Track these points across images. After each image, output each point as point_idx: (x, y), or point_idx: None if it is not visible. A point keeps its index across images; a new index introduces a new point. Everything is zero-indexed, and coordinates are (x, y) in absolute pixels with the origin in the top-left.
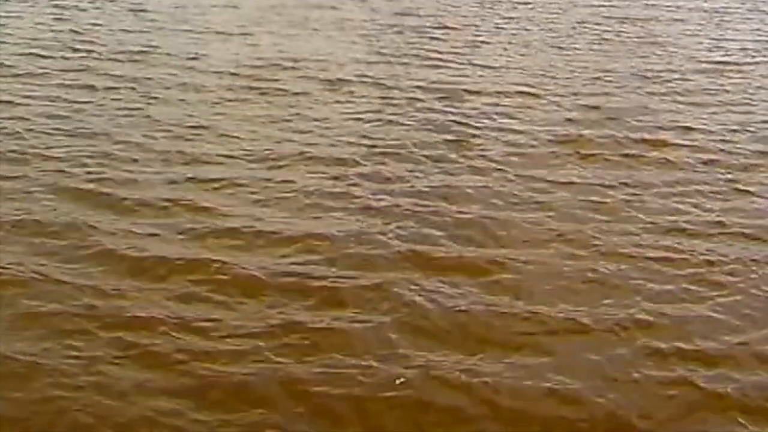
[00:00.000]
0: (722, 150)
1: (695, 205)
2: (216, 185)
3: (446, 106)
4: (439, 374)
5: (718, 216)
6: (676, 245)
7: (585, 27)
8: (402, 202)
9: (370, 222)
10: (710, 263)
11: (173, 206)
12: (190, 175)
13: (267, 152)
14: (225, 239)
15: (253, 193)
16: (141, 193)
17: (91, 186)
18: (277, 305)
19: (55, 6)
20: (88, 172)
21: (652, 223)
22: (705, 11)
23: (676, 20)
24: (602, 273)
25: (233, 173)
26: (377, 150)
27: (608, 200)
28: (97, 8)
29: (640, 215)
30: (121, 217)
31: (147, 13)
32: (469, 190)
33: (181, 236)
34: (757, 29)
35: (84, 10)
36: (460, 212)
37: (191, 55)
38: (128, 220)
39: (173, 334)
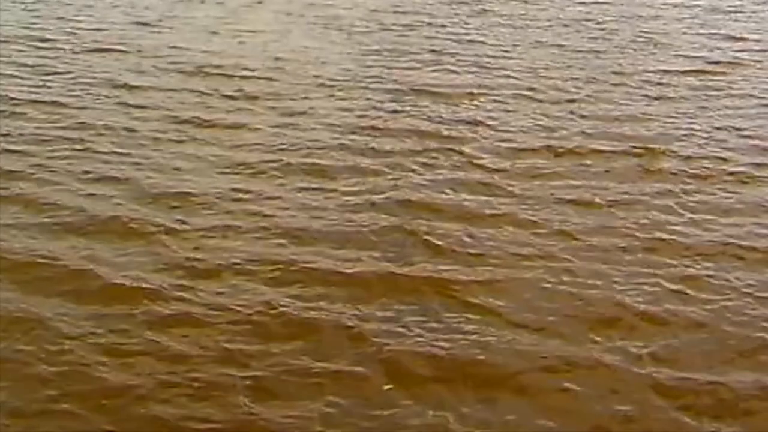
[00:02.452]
0: (717, 159)
1: (688, 222)
2: (190, 197)
3: (433, 108)
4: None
5: (714, 234)
6: (666, 263)
7: (580, 25)
8: (383, 218)
9: (348, 239)
10: (701, 283)
11: (143, 225)
12: (164, 187)
13: (246, 159)
14: (195, 261)
15: (230, 203)
16: (112, 209)
17: (56, 198)
18: (243, 332)
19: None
20: (53, 182)
21: (640, 239)
22: (705, 10)
23: (674, 19)
24: (588, 297)
25: (208, 184)
26: (360, 158)
27: (595, 213)
28: (83, 3)
29: (630, 231)
30: (87, 237)
31: (133, 8)
32: (452, 203)
33: (149, 257)
34: (761, 28)
35: (69, 4)
36: (443, 228)
37: (174, 53)
38: (96, 239)
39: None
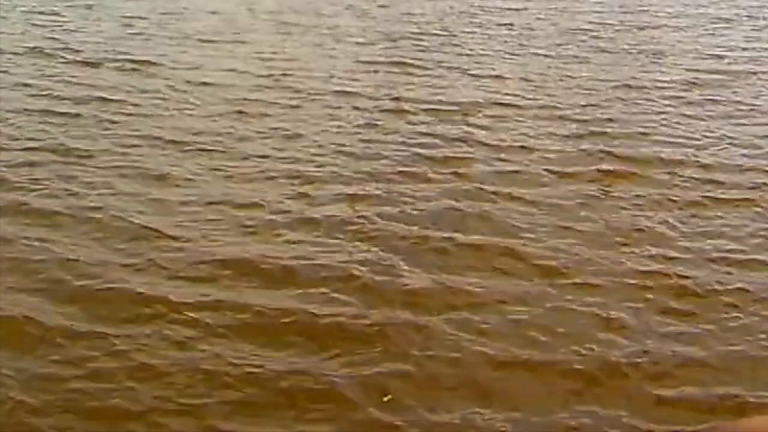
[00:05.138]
0: (719, 183)
1: (689, 252)
2: (169, 234)
3: (428, 124)
4: None
5: (716, 265)
6: (663, 299)
7: (579, 35)
8: (367, 255)
9: (329, 280)
10: (701, 322)
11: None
12: (141, 222)
13: (230, 188)
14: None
15: (211, 239)
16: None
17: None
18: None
19: (35, 12)
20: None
21: (637, 273)
22: (706, 18)
23: (678, 28)
24: (577, 342)
25: (189, 218)
26: (349, 185)
27: (589, 245)
28: (77, 14)
29: (626, 264)
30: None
31: (125, 19)
32: (438, 236)
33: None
34: (763, 38)
35: (62, 15)
36: (426, 263)
37: (164, 65)
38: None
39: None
